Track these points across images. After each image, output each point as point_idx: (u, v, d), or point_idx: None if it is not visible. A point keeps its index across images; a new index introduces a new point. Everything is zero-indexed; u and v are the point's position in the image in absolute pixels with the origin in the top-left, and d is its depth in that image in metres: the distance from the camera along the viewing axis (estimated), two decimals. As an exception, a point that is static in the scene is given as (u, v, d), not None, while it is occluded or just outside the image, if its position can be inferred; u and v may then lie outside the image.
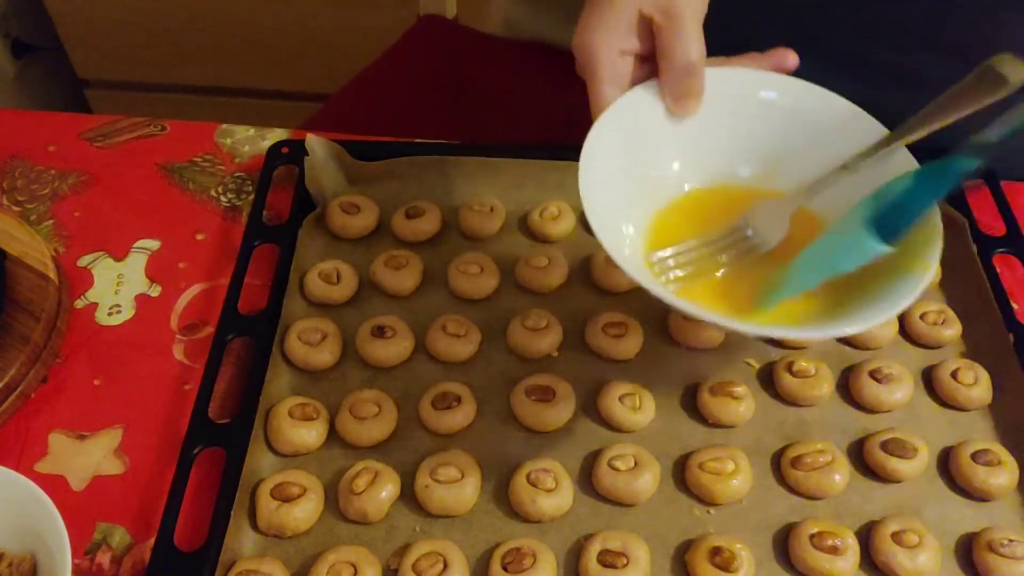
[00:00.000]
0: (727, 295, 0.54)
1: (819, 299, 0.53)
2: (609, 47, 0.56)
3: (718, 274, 0.55)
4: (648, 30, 0.57)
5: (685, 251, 0.56)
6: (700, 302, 0.51)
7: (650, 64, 0.58)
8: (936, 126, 0.52)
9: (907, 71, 0.79)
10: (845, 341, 0.71)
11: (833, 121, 0.57)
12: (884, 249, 0.49)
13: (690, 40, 0.55)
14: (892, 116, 0.56)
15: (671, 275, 0.55)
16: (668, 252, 0.55)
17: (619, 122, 0.55)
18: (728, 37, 0.61)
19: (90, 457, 0.65)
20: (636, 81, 0.57)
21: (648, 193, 0.58)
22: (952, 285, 0.75)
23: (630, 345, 0.69)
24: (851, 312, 0.50)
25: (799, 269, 0.52)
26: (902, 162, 0.54)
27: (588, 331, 0.70)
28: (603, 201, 0.52)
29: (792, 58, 0.59)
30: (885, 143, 0.54)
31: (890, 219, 0.50)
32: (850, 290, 0.52)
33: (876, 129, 0.56)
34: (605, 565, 0.57)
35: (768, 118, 0.58)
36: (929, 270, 0.50)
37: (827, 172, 0.55)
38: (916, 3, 0.76)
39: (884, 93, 0.61)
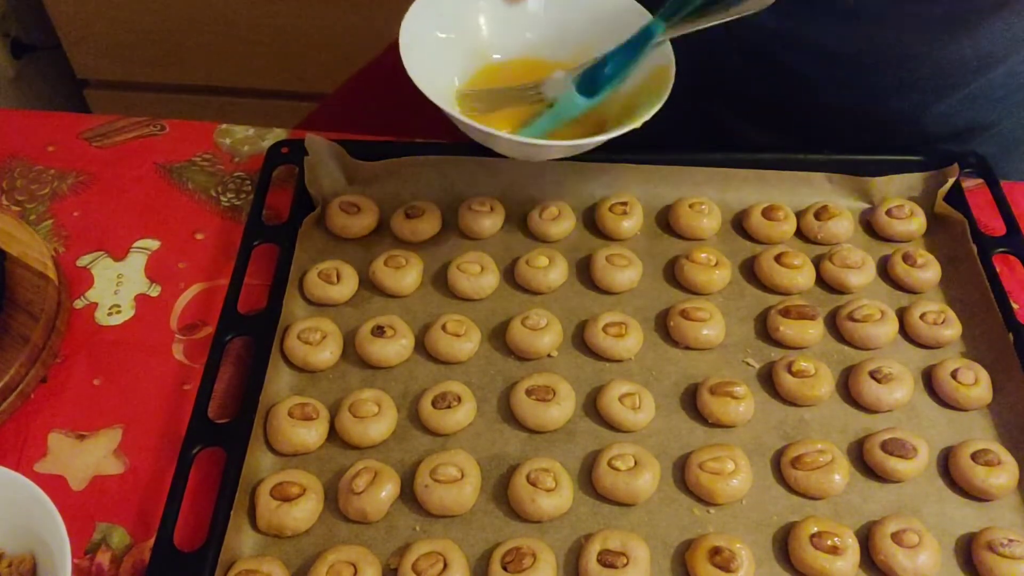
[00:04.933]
0: (515, 126, 0.69)
1: (584, 129, 0.68)
2: None
3: (512, 113, 0.70)
4: None
5: (488, 92, 0.71)
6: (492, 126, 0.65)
7: None
8: (694, 29, 0.65)
9: None
10: (845, 341, 0.72)
11: (618, 15, 0.70)
12: (585, 102, 0.68)
13: None
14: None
15: (477, 109, 0.70)
16: (475, 90, 0.71)
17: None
18: None
19: (90, 457, 0.65)
20: None
21: (464, 56, 0.72)
22: (952, 285, 0.75)
23: (630, 345, 0.69)
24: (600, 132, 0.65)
25: (543, 118, 0.69)
26: (663, 53, 0.68)
27: (588, 331, 0.70)
28: (422, 55, 0.66)
29: None
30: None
31: (592, 81, 0.68)
32: (605, 124, 0.69)
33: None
34: (605, 565, 0.57)
35: (569, 7, 0.72)
36: (653, 108, 0.65)
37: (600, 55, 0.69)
38: None
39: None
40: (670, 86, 0.65)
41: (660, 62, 0.67)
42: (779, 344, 0.71)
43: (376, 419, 0.64)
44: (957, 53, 0.78)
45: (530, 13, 0.72)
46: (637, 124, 0.64)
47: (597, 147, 0.64)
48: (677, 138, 0.77)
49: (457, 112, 0.64)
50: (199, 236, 0.79)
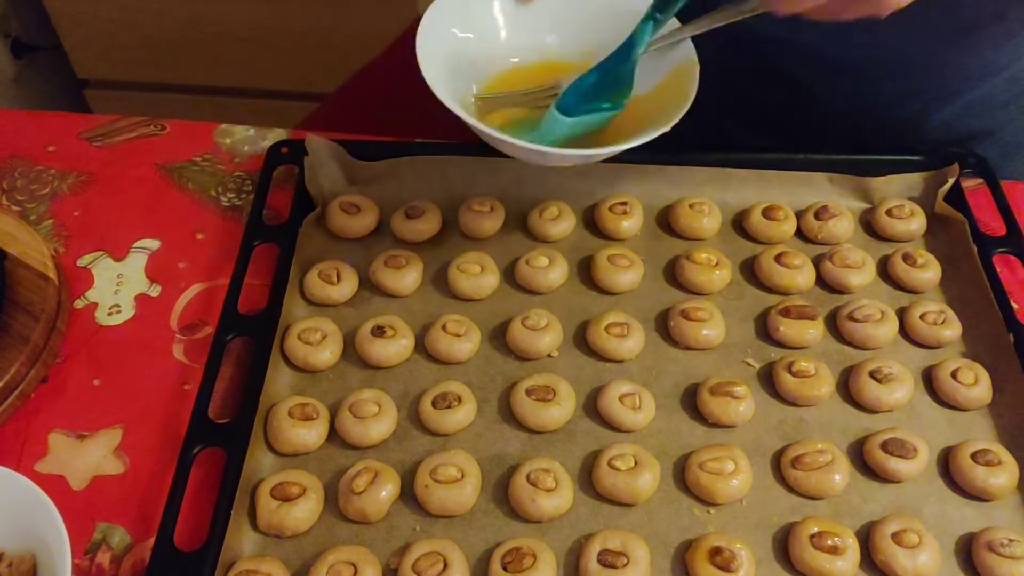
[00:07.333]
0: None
1: (601, 135, 0.67)
2: None
3: (529, 116, 0.68)
4: None
5: (506, 95, 0.69)
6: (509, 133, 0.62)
7: None
8: (708, 28, 0.64)
9: None
10: (845, 341, 0.71)
11: (636, 13, 0.66)
12: (568, 121, 0.64)
13: None
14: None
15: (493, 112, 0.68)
16: (493, 94, 0.69)
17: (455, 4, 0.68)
18: None
19: (90, 457, 0.65)
20: None
21: (482, 61, 0.70)
22: (952, 285, 0.75)
23: (630, 345, 0.69)
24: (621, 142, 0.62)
25: (541, 130, 0.66)
26: (684, 52, 0.65)
27: (589, 331, 0.70)
28: (438, 59, 0.64)
29: None
30: (671, 36, 0.65)
31: (575, 99, 0.64)
32: (627, 132, 0.64)
33: (670, 22, 0.65)
34: (605, 565, 0.57)
35: (586, 7, 0.70)
36: (674, 118, 0.62)
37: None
38: None
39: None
40: (694, 87, 0.62)
41: (681, 62, 0.64)
42: (779, 344, 0.71)
43: (376, 419, 0.64)
44: (958, 61, 0.78)
45: (548, 14, 0.70)
46: (666, 128, 0.61)
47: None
48: (676, 142, 0.77)
49: (473, 119, 0.61)
50: (199, 236, 0.79)
